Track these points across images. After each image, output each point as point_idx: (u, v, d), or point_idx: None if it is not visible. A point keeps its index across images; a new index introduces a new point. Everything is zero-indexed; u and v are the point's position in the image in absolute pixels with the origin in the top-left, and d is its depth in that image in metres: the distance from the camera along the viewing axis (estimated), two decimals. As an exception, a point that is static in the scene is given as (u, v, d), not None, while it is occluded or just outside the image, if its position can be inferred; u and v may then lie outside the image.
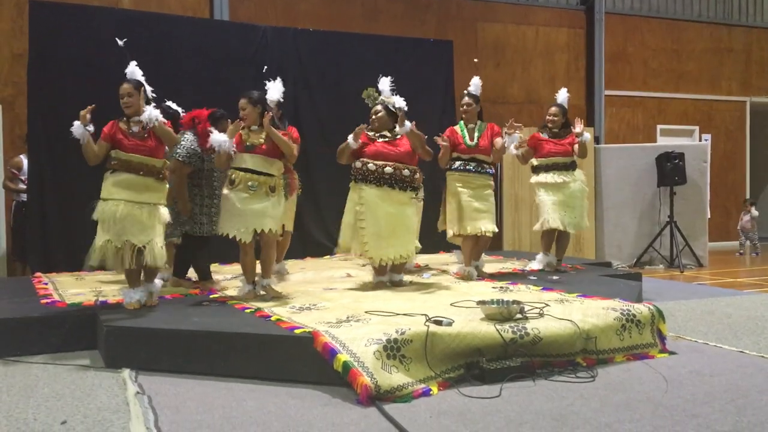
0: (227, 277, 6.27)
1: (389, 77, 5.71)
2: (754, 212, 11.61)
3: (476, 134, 6.02)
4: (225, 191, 5.01)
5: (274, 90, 5.37)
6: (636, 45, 12.01)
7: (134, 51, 4.80)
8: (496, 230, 6.10)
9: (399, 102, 5.55)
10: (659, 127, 12.17)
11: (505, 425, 3.06)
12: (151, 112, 4.69)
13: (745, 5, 12.87)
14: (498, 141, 5.95)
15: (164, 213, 4.84)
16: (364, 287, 5.57)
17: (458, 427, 3.05)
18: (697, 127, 12.46)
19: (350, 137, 5.47)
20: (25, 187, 7.33)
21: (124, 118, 4.76)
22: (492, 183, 6.12)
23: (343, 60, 8.39)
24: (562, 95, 6.58)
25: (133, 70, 4.82)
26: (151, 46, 7.38)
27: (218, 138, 4.92)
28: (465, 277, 5.99)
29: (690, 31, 12.42)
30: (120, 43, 4.91)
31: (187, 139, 5.53)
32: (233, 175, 4.97)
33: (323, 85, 8.38)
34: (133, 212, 4.62)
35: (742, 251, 11.51)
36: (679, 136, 12.16)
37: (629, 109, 11.96)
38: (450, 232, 6.09)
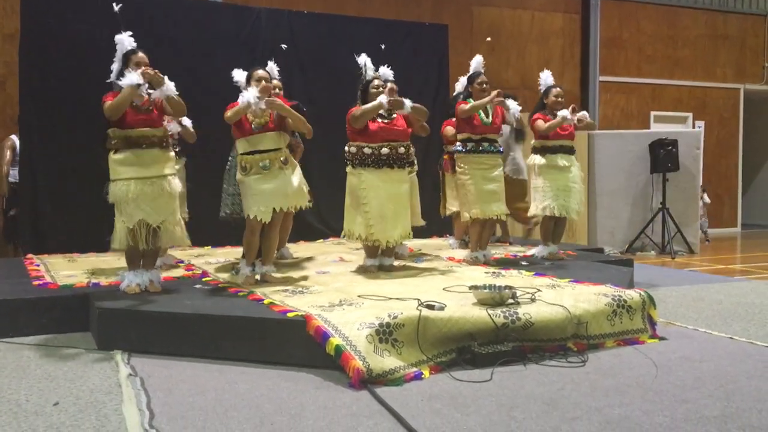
0: (219, 261, 6.28)
1: (387, 64, 5.71)
2: (706, 199, 11.66)
3: (489, 111, 5.94)
4: (239, 177, 4.92)
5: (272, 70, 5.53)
6: (631, 31, 11.99)
7: (126, 31, 4.73)
8: (506, 211, 6.10)
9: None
10: (653, 113, 12.19)
11: (496, 409, 3.08)
12: (170, 86, 4.55)
13: (741, -8, 12.87)
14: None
15: (176, 185, 4.76)
16: (357, 271, 5.58)
17: (449, 410, 3.07)
18: (690, 114, 12.48)
19: (383, 98, 5.23)
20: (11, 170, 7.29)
21: None
22: (500, 161, 6.08)
23: (338, 42, 8.34)
24: (550, 77, 6.45)
25: (124, 39, 4.65)
26: (143, 26, 7.31)
27: (248, 94, 4.70)
28: (472, 263, 5.98)
29: (685, 18, 12.41)
30: (116, 8, 4.82)
31: None
32: (244, 162, 4.87)
33: (317, 67, 8.34)
34: (145, 190, 4.55)
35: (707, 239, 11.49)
36: (672, 123, 12.18)
37: (623, 96, 11.97)
38: (466, 215, 5.99)
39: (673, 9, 12.30)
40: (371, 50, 5.97)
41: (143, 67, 4.51)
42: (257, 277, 5.03)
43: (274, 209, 4.88)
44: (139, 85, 4.46)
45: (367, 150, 5.35)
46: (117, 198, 4.55)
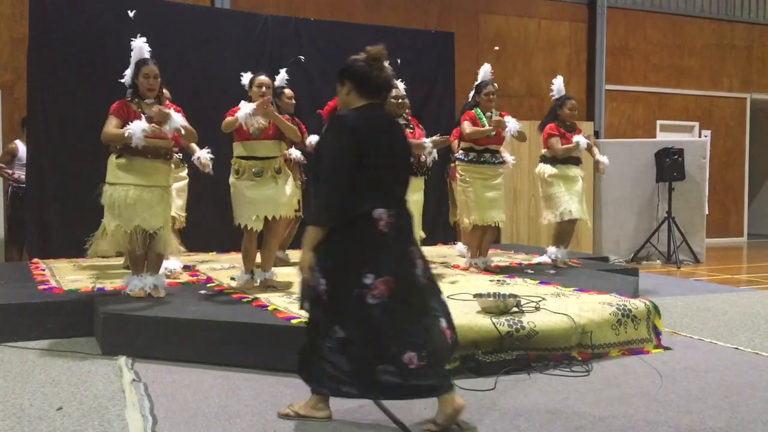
0: (224, 266, 6.28)
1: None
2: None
3: None
4: (232, 180, 4.95)
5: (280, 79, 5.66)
6: (638, 40, 11.98)
7: (135, 37, 4.76)
8: (504, 219, 6.14)
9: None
10: (659, 122, 12.16)
11: (500, 418, 3.08)
12: (176, 119, 4.57)
13: (747, 1, 12.84)
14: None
15: (172, 195, 4.89)
16: None
17: (453, 419, 3.06)
18: (696, 123, 12.46)
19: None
20: (17, 174, 7.29)
21: (136, 100, 4.64)
22: (502, 171, 6.10)
23: (344, 50, 8.27)
24: (560, 84, 6.49)
25: (141, 46, 4.68)
26: (150, 33, 7.32)
27: (245, 109, 4.77)
28: (470, 270, 5.99)
29: (692, 27, 12.40)
30: (131, 14, 4.87)
31: None
32: (237, 165, 4.91)
33: (323, 74, 8.34)
34: (143, 196, 4.55)
35: None
36: (679, 132, 12.15)
37: (629, 104, 11.94)
38: (466, 221, 6.02)
39: (680, 18, 12.29)
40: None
41: (152, 124, 4.51)
42: (256, 283, 5.05)
43: (266, 217, 4.89)
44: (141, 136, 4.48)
45: None
46: (114, 201, 4.53)
